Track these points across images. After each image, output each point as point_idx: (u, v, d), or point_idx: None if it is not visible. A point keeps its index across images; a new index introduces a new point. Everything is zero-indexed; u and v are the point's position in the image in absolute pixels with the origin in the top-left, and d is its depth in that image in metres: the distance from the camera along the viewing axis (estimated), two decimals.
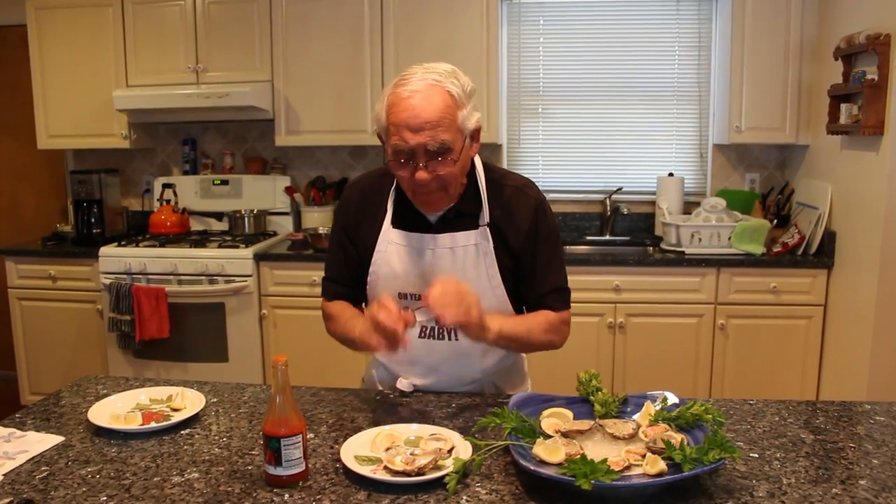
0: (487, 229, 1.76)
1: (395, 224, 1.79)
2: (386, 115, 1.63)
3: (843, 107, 3.30)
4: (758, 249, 3.65)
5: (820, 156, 3.74)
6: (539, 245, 1.79)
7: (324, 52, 4.01)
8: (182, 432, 1.58)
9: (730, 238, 3.68)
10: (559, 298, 1.83)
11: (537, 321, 1.79)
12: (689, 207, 4.10)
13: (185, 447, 1.51)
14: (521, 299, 1.84)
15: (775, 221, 3.86)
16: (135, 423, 1.58)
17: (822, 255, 3.59)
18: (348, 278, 1.88)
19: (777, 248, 3.68)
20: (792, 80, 3.80)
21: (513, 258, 1.77)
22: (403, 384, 1.85)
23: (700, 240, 3.72)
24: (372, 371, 2.00)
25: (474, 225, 1.76)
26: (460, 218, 1.76)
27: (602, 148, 4.34)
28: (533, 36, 4.30)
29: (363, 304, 1.93)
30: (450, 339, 1.79)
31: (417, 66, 1.67)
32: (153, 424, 1.59)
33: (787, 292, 3.61)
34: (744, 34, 3.79)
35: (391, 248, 1.79)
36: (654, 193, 4.23)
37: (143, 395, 1.74)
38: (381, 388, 1.93)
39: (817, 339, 3.64)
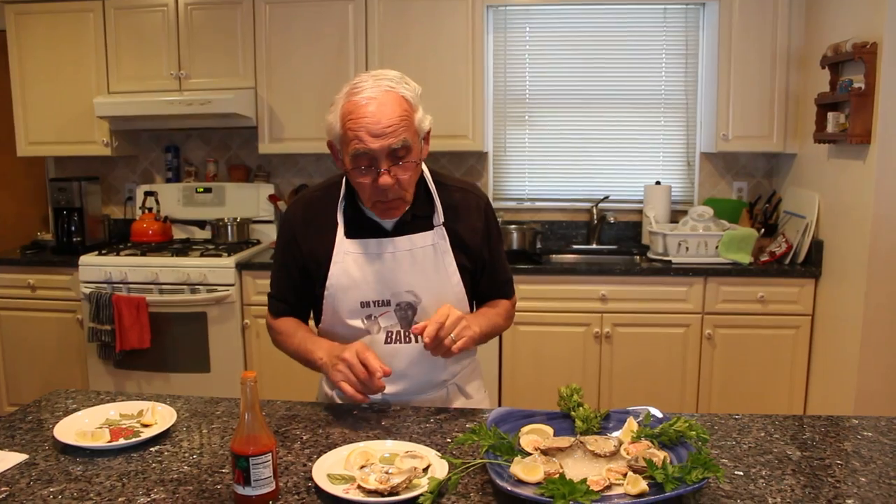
0: (444, 228, 1.80)
1: (349, 234, 1.79)
2: (342, 124, 1.64)
3: (831, 115, 3.29)
4: (745, 259, 3.62)
5: (807, 164, 3.73)
6: (493, 242, 1.89)
7: (308, 59, 3.97)
8: (151, 449, 1.53)
9: (717, 247, 3.66)
10: (510, 287, 1.98)
11: (498, 311, 1.90)
12: (676, 216, 4.08)
13: (154, 465, 1.46)
14: (476, 291, 1.92)
15: (763, 230, 3.84)
16: (102, 440, 1.53)
17: (810, 264, 3.58)
18: (292, 297, 1.90)
19: (764, 258, 3.65)
20: (779, 89, 3.79)
21: (468, 255, 1.83)
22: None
23: (687, 249, 3.69)
24: (326, 388, 1.95)
25: (429, 226, 1.80)
26: (415, 220, 1.79)
27: (589, 156, 4.31)
28: (519, 43, 4.27)
29: (310, 319, 1.95)
30: (416, 340, 1.78)
31: (365, 74, 1.69)
32: (121, 441, 1.53)
33: (775, 302, 3.59)
34: (731, 42, 3.78)
35: (348, 258, 1.77)
36: (640, 202, 4.21)
37: (112, 411, 1.69)
38: (341, 397, 1.88)
39: (805, 349, 3.62)
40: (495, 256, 1.89)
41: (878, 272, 3.06)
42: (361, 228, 1.79)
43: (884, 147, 2.99)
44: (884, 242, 3.04)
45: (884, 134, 2.98)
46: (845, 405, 3.22)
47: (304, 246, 1.82)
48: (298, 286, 1.86)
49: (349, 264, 1.77)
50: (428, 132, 1.75)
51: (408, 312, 1.78)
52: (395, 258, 1.76)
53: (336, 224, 1.79)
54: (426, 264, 1.78)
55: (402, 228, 1.78)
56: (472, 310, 1.91)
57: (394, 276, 1.76)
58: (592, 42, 4.25)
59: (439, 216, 1.80)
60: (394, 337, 1.79)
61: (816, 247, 3.55)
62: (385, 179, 1.63)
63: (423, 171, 1.81)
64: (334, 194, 1.82)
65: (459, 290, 1.82)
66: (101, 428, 1.60)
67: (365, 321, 1.79)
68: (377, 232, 1.78)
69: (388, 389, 1.79)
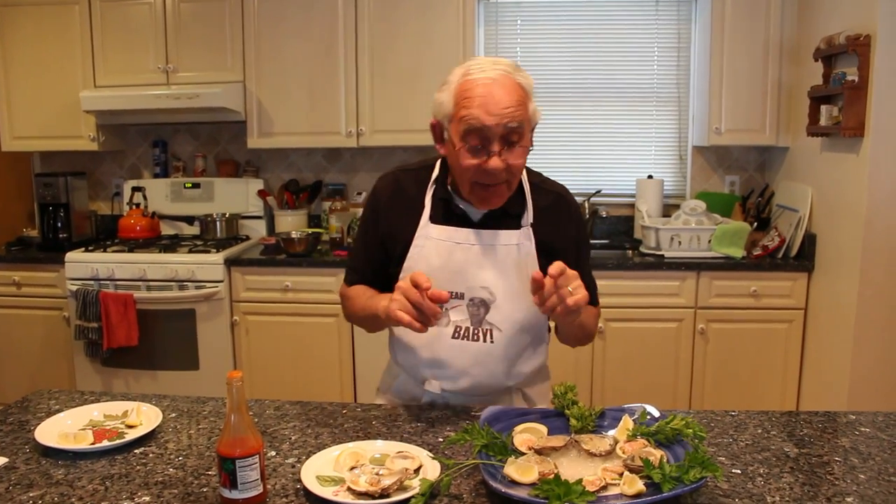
0: (531, 230, 1.74)
1: (434, 220, 1.74)
2: (455, 101, 1.60)
3: (824, 108, 3.27)
4: (738, 253, 3.61)
5: (800, 158, 3.71)
6: (582, 252, 1.83)
7: (297, 52, 3.93)
8: (136, 451, 1.49)
9: (710, 241, 3.64)
10: (596, 296, 1.88)
11: (590, 314, 1.82)
12: (668, 210, 4.06)
13: (138, 467, 1.42)
14: None
15: (755, 224, 3.82)
16: (85, 442, 1.49)
17: (803, 258, 3.56)
18: (369, 272, 1.85)
19: (757, 252, 3.64)
20: (772, 82, 3.77)
21: (553, 261, 1.69)
22: (433, 385, 1.77)
23: (680, 243, 3.67)
24: (391, 379, 1.92)
25: (516, 225, 1.74)
26: (504, 217, 1.73)
27: (581, 150, 4.29)
28: (510, 36, 4.24)
29: None
30: (484, 340, 1.72)
31: (481, 57, 1.67)
32: (105, 443, 1.50)
33: (768, 296, 3.57)
34: (723, 35, 3.76)
35: (429, 243, 1.73)
36: (633, 196, 4.19)
37: (96, 412, 1.65)
38: (403, 397, 1.86)
39: (798, 343, 3.60)
40: (582, 266, 1.75)
41: (871, 265, 3.05)
42: (448, 216, 1.74)
43: (877, 140, 2.97)
44: (877, 236, 3.02)
45: (877, 127, 2.96)
46: (838, 399, 3.21)
47: (387, 222, 1.79)
48: (375, 261, 1.82)
49: (429, 249, 1.72)
50: (536, 122, 1.69)
51: (480, 310, 1.71)
52: (477, 251, 1.71)
53: (423, 206, 1.75)
54: (507, 263, 1.71)
55: (490, 223, 1.72)
56: (548, 321, 1.84)
57: (472, 269, 1.70)
58: (584, 35, 4.22)
59: (529, 216, 1.74)
60: (461, 333, 1.72)
61: (809, 240, 3.53)
62: (496, 162, 1.58)
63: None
64: (426, 176, 1.78)
65: None
66: (84, 429, 1.56)
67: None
68: (463, 222, 1.73)
69: (447, 386, 1.76)
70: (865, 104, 2.98)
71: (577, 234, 1.82)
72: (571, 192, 1.88)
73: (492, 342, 1.72)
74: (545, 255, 1.72)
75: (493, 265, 1.71)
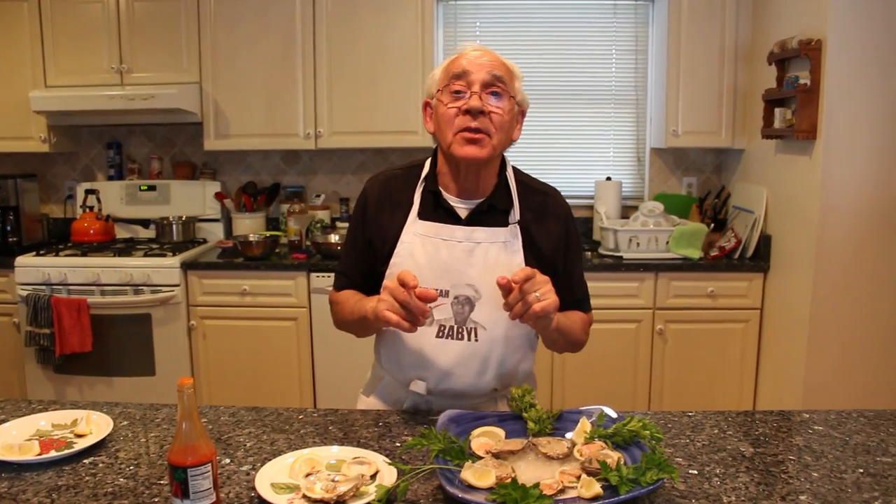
0: (518, 228, 1.73)
1: (422, 216, 1.74)
2: (445, 69, 1.70)
3: (777, 111, 3.32)
4: (695, 254, 3.64)
5: (755, 160, 3.76)
6: (571, 254, 1.81)
7: (254, 53, 3.88)
8: (85, 461, 1.45)
9: (668, 242, 3.67)
10: (587, 304, 1.89)
11: (575, 319, 1.81)
12: (627, 212, 4.09)
13: (87, 478, 1.38)
14: None
15: (712, 225, 3.87)
16: (31, 453, 1.45)
17: (759, 258, 3.61)
18: (357, 274, 1.83)
19: (714, 252, 3.68)
20: (728, 85, 3.82)
21: (540, 261, 1.72)
22: (418, 386, 1.74)
23: (638, 244, 3.70)
24: (375, 382, 1.90)
25: (504, 223, 1.73)
26: (491, 213, 1.73)
27: (539, 152, 4.30)
28: (469, 38, 4.24)
29: None
30: (469, 339, 1.70)
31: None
32: (52, 454, 1.45)
33: (725, 296, 3.62)
34: (680, 38, 3.80)
35: (416, 239, 1.72)
36: (591, 198, 4.21)
37: (43, 421, 1.60)
38: (387, 400, 1.84)
39: (754, 343, 3.65)
40: (571, 269, 1.81)
41: (824, 266, 3.10)
42: (436, 212, 1.74)
43: (829, 142, 3.02)
44: (830, 236, 3.08)
45: (829, 129, 3.01)
46: (794, 398, 3.26)
47: (375, 221, 1.78)
48: (363, 263, 1.80)
49: (416, 246, 1.71)
50: (523, 112, 1.77)
51: (465, 308, 1.70)
52: (463, 249, 1.70)
53: (411, 203, 1.75)
54: (494, 260, 1.70)
55: (477, 219, 1.72)
56: None
57: (458, 265, 1.69)
58: (542, 38, 4.23)
59: (516, 213, 1.74)
60: (446, 332, 1.70)
61: (765, 241, 3.59)
62: (475, 100, 1.62)
63: (506, 165, 1.79)
64: (415, 174, 1.79)
65: None
66: (30, 440, 1.51)
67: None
68: (451, 218, 1.73)
69: (432, 387, 1.73)
70: (817, 107, 3.04)
71: (566, 234, 1.80)
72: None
73: (476, 341, 1.70)
74: (533, 255, 1.73)
75: (479, 262, 1.70)
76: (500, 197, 1.74)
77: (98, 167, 4.43)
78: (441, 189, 1.75)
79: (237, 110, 3.93)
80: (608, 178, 4.15)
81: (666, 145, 3.93)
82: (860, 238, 3.07)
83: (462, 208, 1.73)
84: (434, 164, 1.78)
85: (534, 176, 1.87)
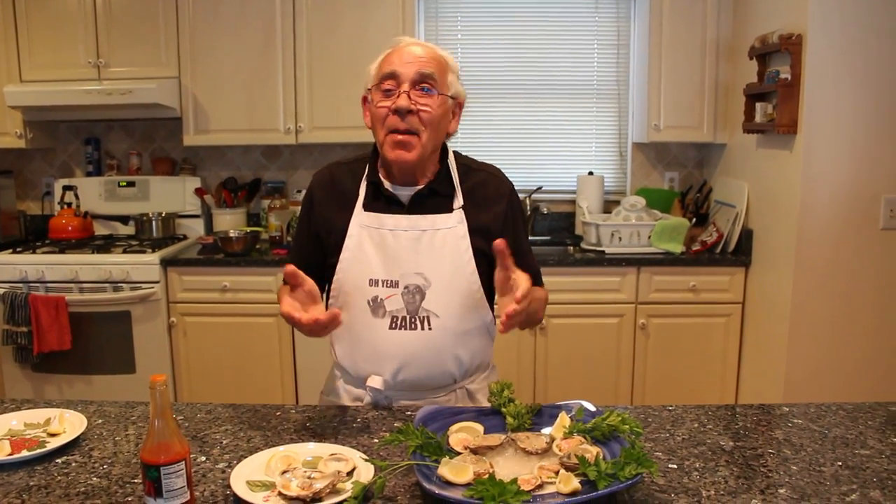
0: (462, 212, 1.75)
1: (367, 207, 1.75)
2: (379, 63, 1.72)
3: (759, 106, 3.32)
4: (677, 248, 3.65)
5: (736, 154, 3.77)
6: (517, 231, 1.82)
7: (233, 47, 3.84)
8: (57, 461, 1.43)
9: (649, 237, 3.68)
10: (539, 279, 1.88)
11: (539, 297, 1.81)
12: (609, 206, 4.09)
13: (59, 478, 1.36)
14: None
15: (694, 220, 3.87)
16: (2, 453, 1.42)
17: (740, 253, 3.62)
18: (303, 267, 1.75)
19: (696, 247, 3.69)
20: (709, 79, 3.83)
21: (488, 243, 1.67)
22: (375, 381, 1.73)
23: (620, 239, 3.70)
24: (333, 380, 1.89)
25: (448, 208, 1.75)
26: (434, 199, 1.74)
27: (521, 146, 4.29)
28: (451, 32, 4.22)
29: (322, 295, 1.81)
30: (422, 328, 1.70)
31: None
32: (24, 453, 1.42)
33: (707, 290, 3.63)
34: (661, 33, 3.80)
35: (363, 231, 1.73)
36: (574, 192, 4.21)
37: (14, 420, 1.57)
38: (346, 398, 1.83)
39: (736, 337, 3.67)
40: (520, 246, 1.79)
41: (805, 260, 3.11)
42: (378, 201, 1.75)
43: (810, 137, 3.03)
44: (810, 231, 3.09)
45: (809, 124, 3.02)
46: (775, 392, 3.27)
47: (321, 213, 1.79)
48: (309, 255, 1.81)
49: (363, 238, 1.72)
50: (460, 105, 1.78)
51: (415, 297, 1.70)
52: (409, 237, 1.71)
53: (357, 196, 1.77)
54: (440, 247, 1.72)
55: (421, 207, 1.74)
56: (490, 303, 1.81)
57: (405, 254, 1.70)
58: (524, 32, 4.22)
59: (459, 199, 1.76)
60: (398, 322, 1.70)
61: (746, 235, 3.59)
62: (403, 100, 1.64)
63: (446, 152, 1.81)
64: (361, 167, 1.81)
65: (474, 278, 1.74)
66: (1, 440, 1.48)
67: (371, 303, 1.71)
68: (395, 208, 1.74)
69: (389, 381, 1.73)
70: (798, 102, 3.04)
71: (511, 212, 1.81)
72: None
73: (430, 329, 1.70)
74: (480, 237, 1.73)
75: (426, 249, 1.71)
76: (441, 182, 1.76)
77: (76, 163, 4.38)
78: (382, 178, 1.76)
79: (217, 105, 3.89)
80: (590, 173, 4.15)
81: (648, 140, 3.93)
82: (841, 232, 3.08)
83: (403, 195, 1.75)
84: (376, 154, 1.80)
85: (479, 160, 1.90)
